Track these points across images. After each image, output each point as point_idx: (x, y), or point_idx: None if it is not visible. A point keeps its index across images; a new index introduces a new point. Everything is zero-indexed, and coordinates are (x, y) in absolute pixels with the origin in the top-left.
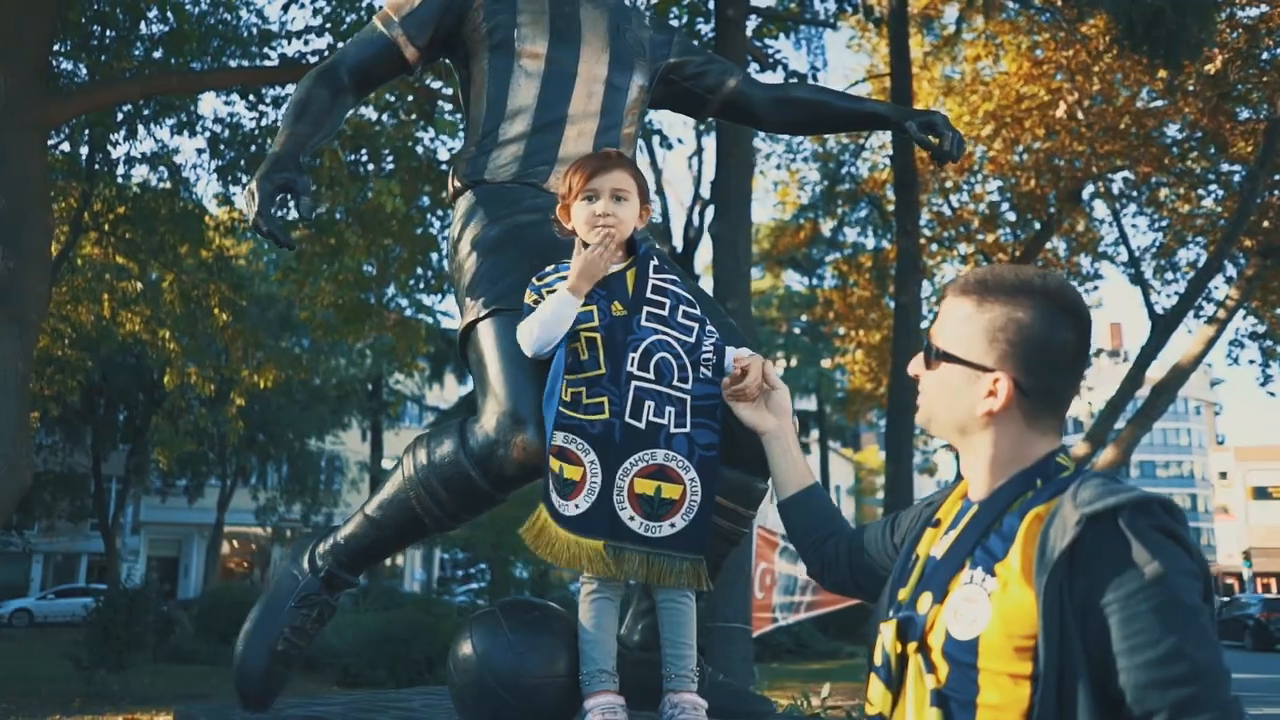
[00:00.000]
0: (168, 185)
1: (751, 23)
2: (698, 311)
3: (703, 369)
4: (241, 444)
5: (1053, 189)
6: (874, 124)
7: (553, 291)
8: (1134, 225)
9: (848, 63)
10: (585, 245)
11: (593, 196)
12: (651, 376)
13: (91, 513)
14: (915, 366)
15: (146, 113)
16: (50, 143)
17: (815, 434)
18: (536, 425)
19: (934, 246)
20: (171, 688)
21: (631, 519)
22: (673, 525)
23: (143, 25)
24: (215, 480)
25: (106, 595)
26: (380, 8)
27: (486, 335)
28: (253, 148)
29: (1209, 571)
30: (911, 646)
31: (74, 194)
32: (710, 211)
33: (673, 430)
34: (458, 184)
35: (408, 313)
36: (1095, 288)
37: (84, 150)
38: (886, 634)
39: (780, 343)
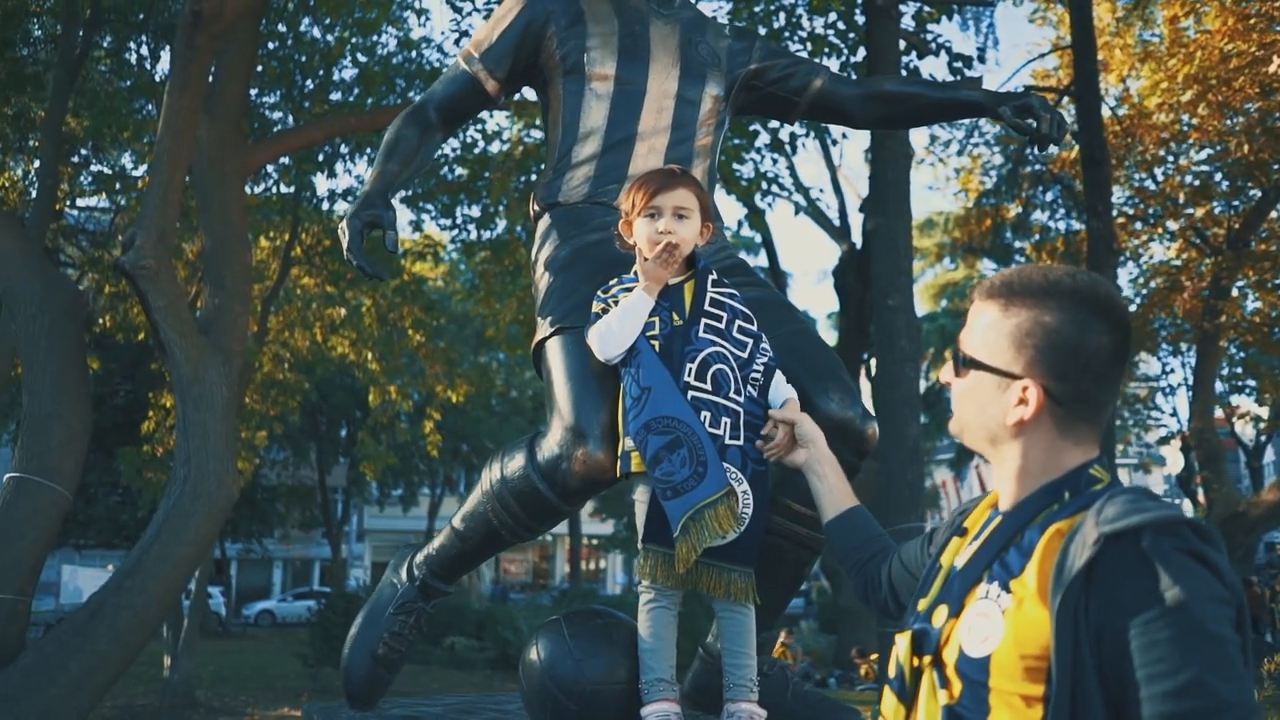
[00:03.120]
0: None
1: (910, 9)
2: (754, 327)
3: (750, 386)
4: (446, 455)
5: (1272, 153)
6: (969, 112)
7: (619, 302)
8: None
9: (1032, 37)
10: (645, 260)
11: (655, 214)
12: (709, 387)
13: (320, 522)
14: (945, 374)
15: (344, 151)
16: (263, 185)
17: None
18: (597, 439)
19: (1138, 225)
20: None
21: None
22: (724, 537)
23: (336, 71)
24: (426, 490)
25: (329, 599)
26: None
27: (554, 352)
28: (431, 180)
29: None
30: (926, 660)
31: (284, 230)
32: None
33: (727, 442)
34: (535, 208)
35: None
36: None
37: (291, 189)
38: (901, 645)
39: None
